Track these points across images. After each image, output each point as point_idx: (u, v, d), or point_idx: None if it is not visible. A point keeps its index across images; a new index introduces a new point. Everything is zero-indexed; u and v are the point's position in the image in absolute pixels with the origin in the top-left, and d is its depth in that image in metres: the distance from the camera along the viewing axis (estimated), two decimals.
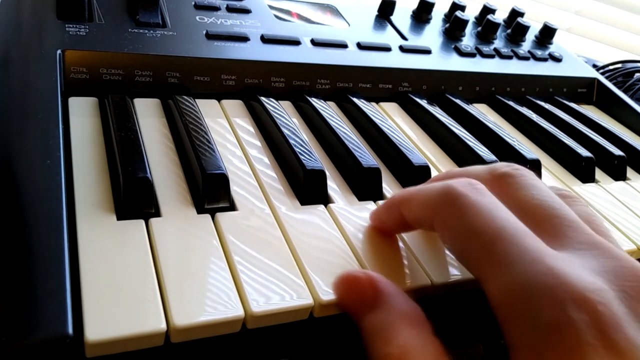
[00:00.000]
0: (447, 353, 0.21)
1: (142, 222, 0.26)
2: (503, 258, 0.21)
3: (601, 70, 0.78)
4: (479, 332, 0.31)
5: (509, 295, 0.20)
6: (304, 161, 0.32)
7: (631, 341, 0.18)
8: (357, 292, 0.24)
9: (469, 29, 0.58)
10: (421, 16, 0.57)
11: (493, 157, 0.39)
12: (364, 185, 0.33)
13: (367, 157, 0.35)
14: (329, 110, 0.40)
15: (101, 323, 0.20)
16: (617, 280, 0.20)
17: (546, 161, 0.45)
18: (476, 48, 0.55)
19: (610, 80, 0.71)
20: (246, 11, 0.46)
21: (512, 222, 0.22)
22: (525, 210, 0.24)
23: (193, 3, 0.45)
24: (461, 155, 0.41)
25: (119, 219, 0.26)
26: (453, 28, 0.56)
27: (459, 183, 0.24)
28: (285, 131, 0.35)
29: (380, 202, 0.33)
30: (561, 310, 0.19)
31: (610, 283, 0.20)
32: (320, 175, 0.32)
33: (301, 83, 0.43)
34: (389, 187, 0.35)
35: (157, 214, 0.27)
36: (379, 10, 0.55)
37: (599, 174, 0.44)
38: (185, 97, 0.36)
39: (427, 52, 0.51)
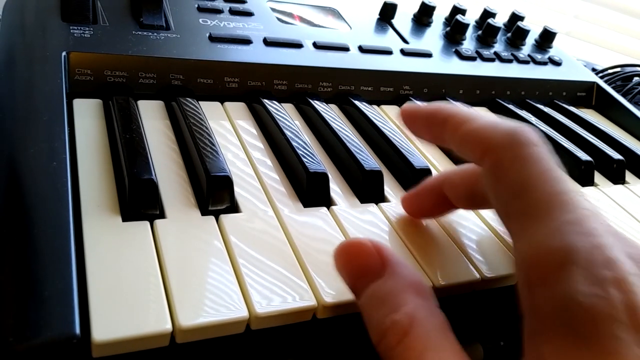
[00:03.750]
0: (451, 328, 0.21)
1: (147, 224, 0.26)
2: (556, 222, 0.20)
3: (600, 74, 0.78)
4: (478, 332, 0.32)
5: (550, 260, 0.20)
6: (306, 164, 0.32)
7: None
8: (363, 259, 0.23)
9: (469, 32, 0.58)
10: (422, 19, 0.58)
11: None
12: (366, 187, 0.33)
13: (369, 159, 0.35)
14: (331, 113, 0.40)
15: (108, 324, 0.21)
16: None
17: None
18: (476, 52, 0.55)
19: (609, 84, 0.71)
20: (249, 14, 0.47)
21: (574, 191, 0.21)
22: None
23: (196, 6, 0.45)
24: (462, 159, 0.41)
25: (124, 220, 0.26)
26: (454, 32, 0.56)
27: (530, 131, 0.23)
28: (288, 134, 0.35)
29: (382, 205, 0.33)
30: (602, 287, 0.18)
31: None
32: (323, 178, 0.32)
33: (303, 86, 0.43)
34: (391, 190, 0.35)
35: (162, 215, 0.27)
36: (380, 14, 0.56)
37: (598, 177, 0.45)
38: (188, 99, 0.36)
39: (428, 55, 0.51)
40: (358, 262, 0.23)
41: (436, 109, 0.27)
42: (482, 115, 0.25)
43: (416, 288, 0.22)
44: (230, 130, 0.37)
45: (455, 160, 0.42)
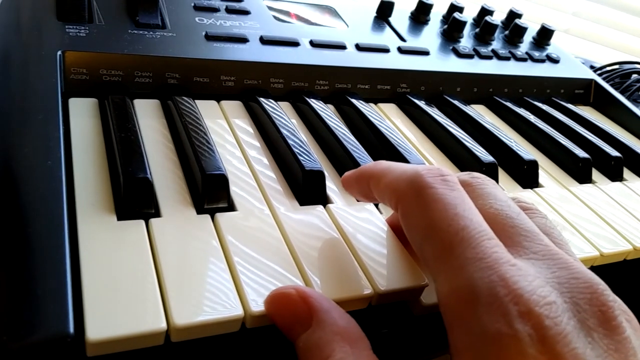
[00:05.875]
0: None
1: (142, 223, 0.26)
2: (458, 260, 0.20)
3: (598, 72, 0.78)
4: None
5: (458, 299, 0.20)
6: (303, 162, 0.32)
7: (579, 356, 0.18)
8: (289, 310, 0.22)
9: (467, 30, 0.58)
10: (419, 17, 0.58)
11: (490, 158, 0.39)
12: None
13: (365, 158, 0.35)
14: (327, 111, 0.40)
15: (102, 322, 0.20)
16: (570, 293, 0.20)
17: (543, 162, 0.45)
18: (474, 49, 0.55)
19: (607, 82, 0.71)
20: (245, 12, 0.47)
21: (475, 223, 0.21)
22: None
23: (192, 4, 0.45)
24: (459, 156, 0.41)
25: (119, 219, 0.26)
26: (451, 29, 0.56)
27: (429, 173, 0.23)
28: (284, 132, 0.35)
29: (379, 203, 0.33)
30: (506, 322, 0.18)
31: (562, 295, 0.19)
32: (319, 176, 0.32)
33: (300, 84, 0.43)
34: None
35: (157, 214, 0.27)
36: (377, 12, 0.56)
37: (595, 174, 0.45)
38: (184, 98, 0.36)
39: (425, 53, 0.51)
40: (285, 313, 0.23)
41: (360, 171, 0.28)
42: (396, 167, 0.26)
43: (344, 335, 0.21)
44: (227, 129, 0.37)
45: (453, 158, 0.41)
